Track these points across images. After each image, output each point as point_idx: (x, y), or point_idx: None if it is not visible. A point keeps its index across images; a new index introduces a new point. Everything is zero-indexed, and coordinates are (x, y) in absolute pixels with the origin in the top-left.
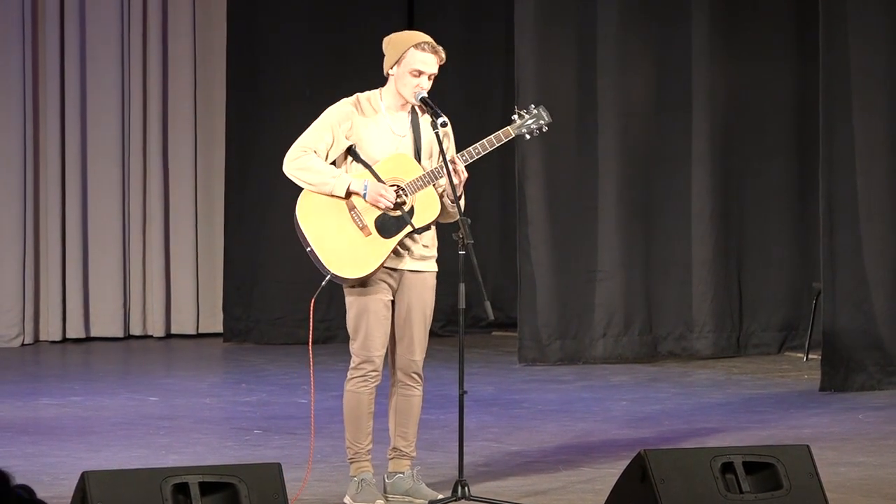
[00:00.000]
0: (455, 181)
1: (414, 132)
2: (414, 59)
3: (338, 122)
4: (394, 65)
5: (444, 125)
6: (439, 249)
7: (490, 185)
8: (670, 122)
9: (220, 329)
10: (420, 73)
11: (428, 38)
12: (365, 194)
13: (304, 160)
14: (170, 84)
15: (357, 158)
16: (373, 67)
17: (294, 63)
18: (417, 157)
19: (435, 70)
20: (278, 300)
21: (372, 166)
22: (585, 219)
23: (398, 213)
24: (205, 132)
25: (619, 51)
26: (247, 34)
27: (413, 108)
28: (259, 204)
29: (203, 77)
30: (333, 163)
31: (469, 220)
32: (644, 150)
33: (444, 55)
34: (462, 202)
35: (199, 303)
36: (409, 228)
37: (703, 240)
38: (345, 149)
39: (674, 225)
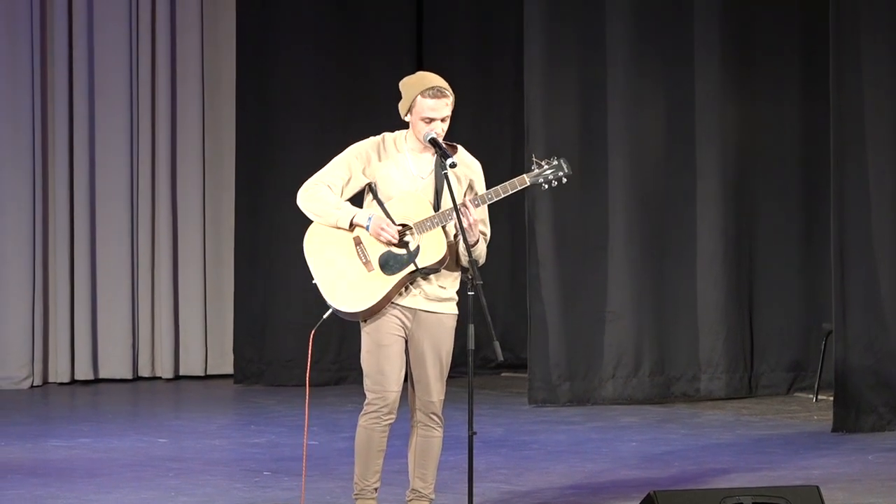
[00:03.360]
0: (465, 223)
1: (436, 174)
2: (422, 107)
3: (356, 159)
4: (407, 112)
5: (452, 166)
6: None
7: (499, 225)
8: (680, 162)
9: (229, 370)
10: (430, 119)
11: (435, 82)
12: (368, 226)
13: (314, 191)
14: (178, 123)
15: (375, 197)
16: (385, 107)
17: (306, 101)
18: (437, 199)
19: (445, 114)
20: (290, 342)
21: (384, 204)
22: (595, 259)
23: (403, 251)
24: (214, 169)
25: (628, 91)
26: (257, 73)
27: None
28: (270, 243)
29: (212, 115)
30: (352, 199)
31: (479, 262)
32: (654, 191)
33: (452, 98)
34: (482, 247)
35: (208, 344)
36: (412, 268)
37: (714, 280)
38: (363, 186)
39: (684, 265)
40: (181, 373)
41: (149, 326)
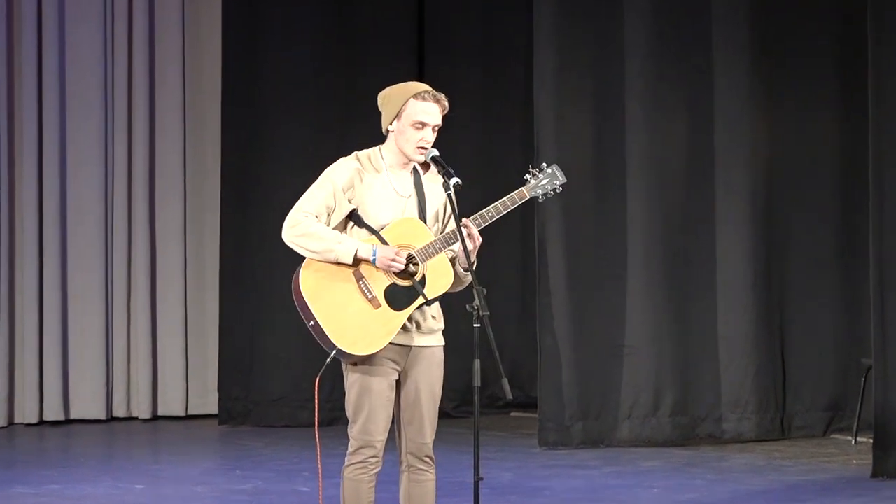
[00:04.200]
0: (469, 247)
1: (418, 192)
2: (415, 110)
3: (339, 184)
4: (393, 119)
5: (456, 186)
6: (452, 322)
7: (508, 251)
8: (705, 180)
9: (212, 410)
10: (423, 124)
11: (427, 87)
12: (374, 260)
13: (304, 226)
14: (157, 132)
15: (360, 223)
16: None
17: (296, 115)
18: (423, 218)
19: (439, 121)
20: (280, 378)
21: (379, 232)
22: (611, 288)
23: (409, 283)
24: (196, 184)
25: (648, 101)
26: (245, 78)
27: (414, 166)
28: (259, 267)
29: (194, 124)
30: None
31: (485, 290)
32: (676, 212)
33: (447, 104)
34: (472, 273)
35: (190, 380)
36: (420, 300)
37: (742, 310)
38: (347, 212)
39: (709, 294)
40: (160, 412)
41: (124, 361)
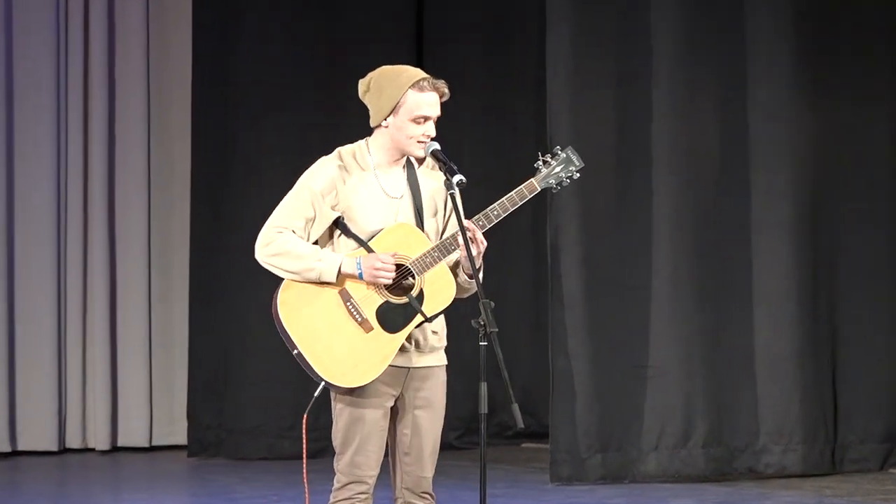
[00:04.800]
0: (473, 252)
1: (412, 191)
2: (416, 103)
3: (320, 190)
4: (389, 114)
5: (460, 184)
6: (454, 340)
7: (518, 258)
8: (742, 179)
9: (181, 440)
10: (426, 118)
11: (423, 73)
12: (360, 273)
13: (279, 244)
14: (118, 132)
15: (347, 232)
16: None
17: (279, 105)
18: (419, 219)
19: (439, 112)
20: (256, 404)
21: (367, 242)
22: (634, 300)
23: (404, 299)
24: (161, 190)
25: (678, 91)
26: (217, 70)
27: (409, 160)
28: (233, 281)
29: (160, 122)
30: (317, 241)
31: (492, 303)
32: (709, 215)
33: (446, 90)
34: (478, 279)
35: (155, 407)
36: (418, 319)
37: (785, 328)
38: (331, 222)
39: (746, 308)
40: (120, 443)
41: (79, 384)
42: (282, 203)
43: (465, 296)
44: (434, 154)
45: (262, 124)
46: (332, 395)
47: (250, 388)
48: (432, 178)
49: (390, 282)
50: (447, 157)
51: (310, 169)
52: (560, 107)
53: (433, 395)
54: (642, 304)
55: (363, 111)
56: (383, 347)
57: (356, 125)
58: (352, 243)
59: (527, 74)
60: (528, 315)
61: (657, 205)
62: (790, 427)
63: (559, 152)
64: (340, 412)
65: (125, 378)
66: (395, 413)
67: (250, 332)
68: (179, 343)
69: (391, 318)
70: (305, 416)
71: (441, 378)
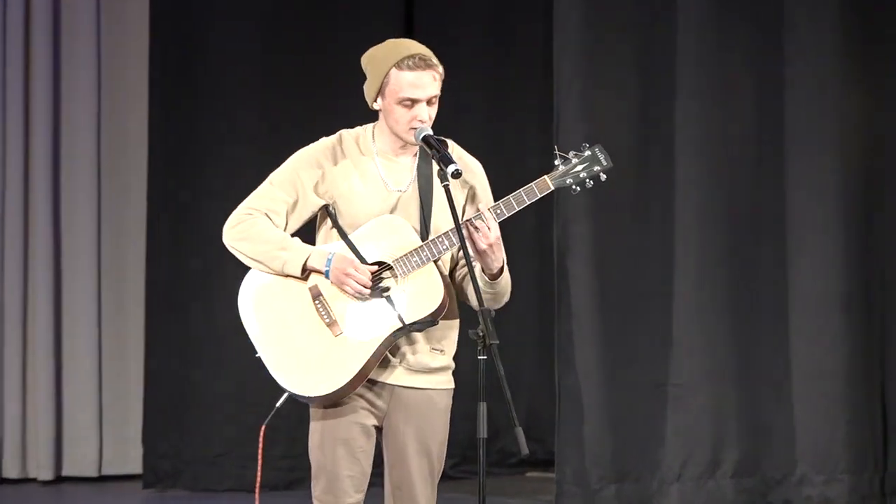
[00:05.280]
0: (482, 245)
1: (421, 183)
2: (399, 83)
3: (305, 172)
4: (377, 95)
5: (455, 175)
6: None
7: (521, 259)
8: (779, 171)
9: (135, 469)
10: (413, 101)
11: (415, 49)
12: (327, 272)
13: (246, 226)
14: (63, 124)
15: (335, 224)
16: (361, 100)
17: (247, 93)
18: (425, 220)
19: (432, 92)
20: (220, 429)
21: (349, 235)
22: (654, 309)
23: (382, 301)
24: (114, 187)
25: (702, 68)
26: (178, 55)
27: (422, 149)
28: (195, 290)
29: (112, 113)
30: (300, 232)
31: (492, 311)
32: (740, 210)
33: (440, 68)
34: (506, 281)
35: (105, 432)
36: (397, 325)
37: (830, 341)
38: (316, 210)
39: (783, 318)
40: (65, 472)
41: (18, 407)
42: (264, 183)
43: (496, 305)
44: (426, 140)
45: (230, 114)
46: (310, 410)
47: (214, 412)
48: (439, 178)
49: (366, 290)
50: (437, 145)
51: (303, 148)
52: (569, 89)
53: (427, 422)
54: (663, 313)
55: (342, 99)
56: (352, 354)
57: (330, 115)
58: (338, 237)
59: (531, 52)
60: (532, 325)
61: (680, 198)
62: (834, 454)
63: (584, 149)
64: (314, 431)
65: (71, 398)
66: (384, 442)
67: (216, 346)
68: (134, 358)
69: (365, 322)
70: (263, 427)
71: (440, 404)
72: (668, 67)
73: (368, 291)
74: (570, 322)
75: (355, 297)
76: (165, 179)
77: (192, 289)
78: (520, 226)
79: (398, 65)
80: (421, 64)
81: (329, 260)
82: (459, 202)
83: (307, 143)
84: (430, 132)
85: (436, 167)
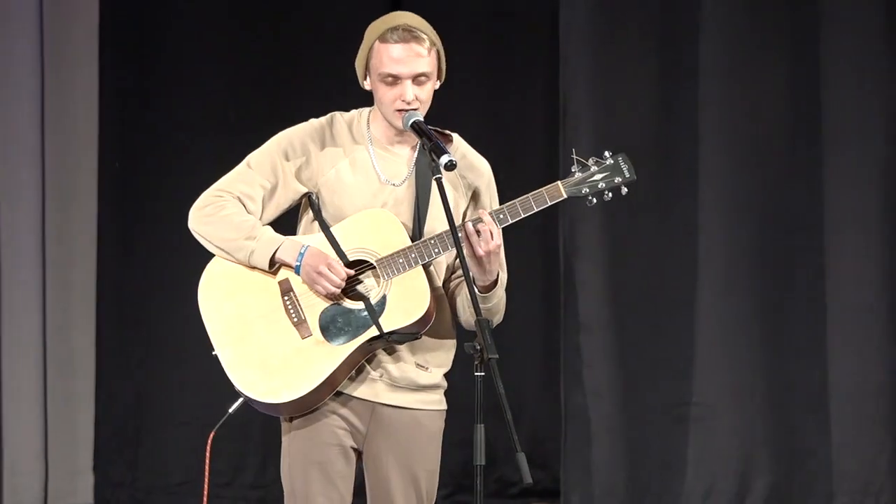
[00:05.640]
0: (480, 251)
1: (418, 181)
2: (380, 58)
3: (286, 155)
4: (365, 72)
5: (449, 168)
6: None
7: (524, 263)
8: (816, 162)
9: (85, 499)
10: (394, 79)
11: (402, 20)
12: (298, 267)
13: (214, 208)
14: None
15: (318, 216)
16: (339, 91)
17: (208, 81)
18: (419, 220)
19: (419, 69)
20: (181, 456)
21: (330, 229)
22: (674, 320)
23: (359, 305)
24: (61, 182)
25: (729, 47)
26: (131, 39)
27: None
28: (154, 295)
29: (57, 96)
30: (276, 223)
31: (491, 322)
32: (771, 208)
33: (431, 39)
34: (501, 295)
35: (51, 459)
36: (372, 332)
37: (872, 353)
38: (298, 199)
39: (821, 329)
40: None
41: None
42: (240, 165)
43: (495, 319)
44: (415, 127)
45: (193, 105)
46: (283, 427)
47: (173, 436)
48: (461, 165)
49: (336, 290)
50: (429, 132)
51: (286, 129)
52: (578, 69)
53: (413, 446)
54: (684, 324)
55: (319, 88)
56: (319, 360)
57: (302, 106)
58: (320, 230)
59: (537, 28)
60: (536, 337)
61: (704, 193)
62: (878, 481)
63: (607, 157)
64: (285, 454)
65: (11, 423)
66: (365, 463)
67: (177, 363)
68: (83, 376)
69: (338, 325)
70: (211, 436)
71: (430, 427)
72: (691, 44)
73: (340, 287)
74: (579, 334)
75: (323, 297)
76: (119, 177)
77: (149, 299)
78: (521, 227)
79: (382, 37)
80: (405, 36)
81: (301, 254)
82: (460, 206)
83: (275, 125)
84: (421, 118)
85: (474, 163)
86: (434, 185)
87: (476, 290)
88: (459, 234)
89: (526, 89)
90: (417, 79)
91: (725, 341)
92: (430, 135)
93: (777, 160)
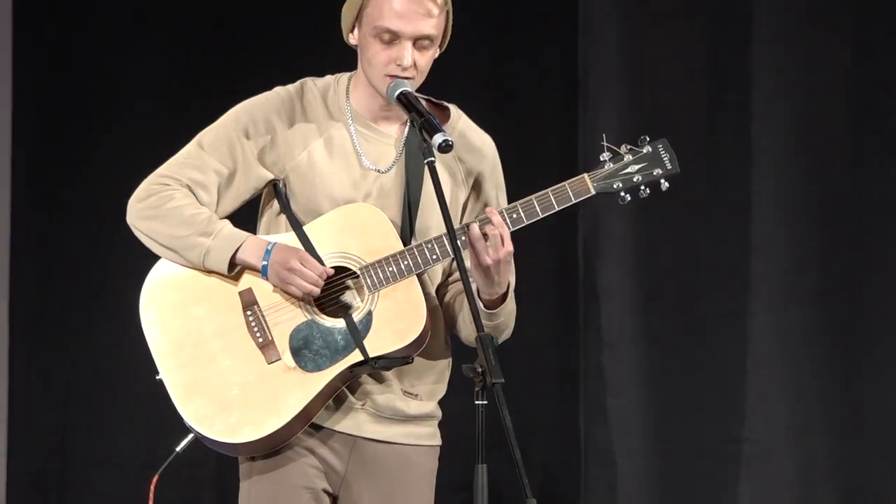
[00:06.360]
0: (487, 260)
1: (409, 166)
2: (381, 8)
3: (248, 131)
4: (354, 22)
5: (444, 148)
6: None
7: (536, 267)
8: (884, 156)
9: None
10: (393, 35)
11: None
12: (265, 265)
13: (157, 199)
14: None
15: (286, 209)
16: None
17: (141, 64)
18: (410, 216)
19: (425, 30)
20: (116, 501)
21: (303, 227)
22: (719, 336)
23: (338, 322)
24: None
25: (789, 4)
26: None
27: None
28: (78, 315)
29: None
30: (234, 217)
31: (496, 338)
32: (838, 202)
33: (440, 6)
34: (510, 310)
35: None
36: (353, 358)
37: None
38: (262, 186)
39: None
40: None
41: None
42: (189, 144)
43: (502, 335)
44: (402, 99)
45: (125, 69)
46: (243, 467)
47: (107, 477)
48: (460, 145)
49: (315, 289)
50: (419, 106)
51: (246, 100)
52: (602, 36)
53: (401, 489)
54: (732, 341)
55: (275, 68)
56: (290, 390)
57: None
58: (287, 228)
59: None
60: (550, 357)
61: (758, 181)
62: None
63: (644, 145)
64: (245, 498)
65: None
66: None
67: (110, 389)
68: None
69: (314, 346)
70: (154, 480)
71: (420, 468)
72: (743, 14)
73: (318, 287)
74: (602, 353)
75: (302, 308)
76: (36, 160)
77: (76, 311)
78: (534, 224)
79: None
80: None
81: (268, 251)
82: (459, 197)
83: (216, 111)
84: (409, 88)
85: (476, 144)
86: (428, 166)
87: (481, 304)
88: (461, 239)
89: (537, 54)
90: (420, 41)
91: (781, 363)
92: (420, 109)
93: (842, 146)
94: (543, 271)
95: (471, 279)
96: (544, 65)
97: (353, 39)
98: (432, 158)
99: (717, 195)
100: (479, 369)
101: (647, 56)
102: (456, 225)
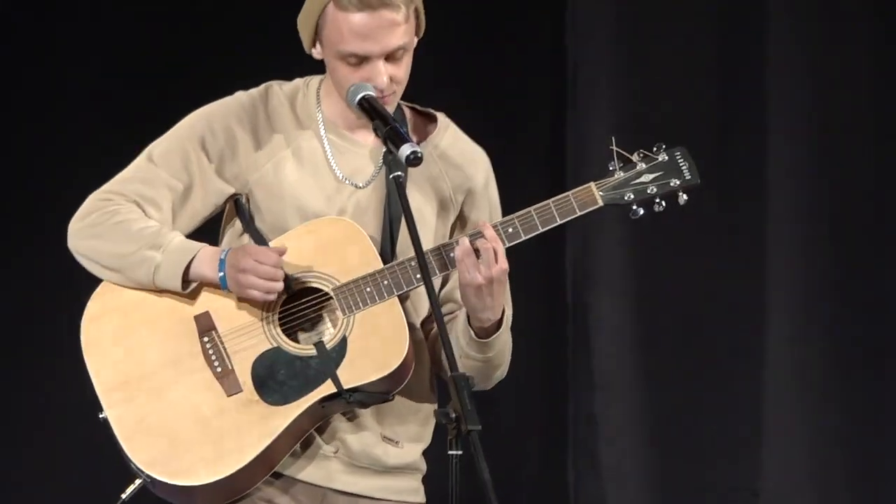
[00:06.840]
0: (479, 278)
1: (388, 181)
2: (339, 29)
3: (206, 142)
4: (313, 40)
5: (413, 161)
6: None
7: (521, 289)
8: None
9: None
10: (359, 59)
11: None
12: (223, 278)
13: (100, 216)
14: None
15: (249, 226)
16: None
17: (90, 45)
18: (391, 233)
19: (395, 42)
20: None
21: (268, 243)
22: (729, 373)
23: (309, 350)
24: None
25: (805, 7)
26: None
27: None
28: (11, 334)
29: None
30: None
31: (472, 378)
32: (865, 215)
33: (408, 12)
34: (503, 340)
35: None
36: (325, 390)
37: None
38: (222, 202)
39: None
40: None
41: None
42: (140, 157)
43: (486, 383)
44: (363, 104)
45: (62, 71)
46: None
47: None
48: (447, 159)
49: (270, 297)
50: (386, 114)
51: (204, 106)
52: (591, 22)
53: None
54: (744, 379)
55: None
56: (252, 428)
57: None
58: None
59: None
60: (534, 398)
61: (775, 196)
62: None
63: (659, 152)
64: None
65: None
66: None
67: (44, 427)
68: None
69: (279, 378)
70: None
71: None
72: (757, 26)
73: (281, 286)
74: (594, 394)
75: (267, 333)
76: None
77: (7, 342)
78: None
79: (337, 2)
80: (373, 1)
81: (222, 260)
82: (449, 217)
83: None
84: (371, 92)
85: (465, 154)
86: (411, 184)
87: (467, 335)
88: (453, 254)
89: (526, 44)
90: (392, 55)
91: (802, 403)
92: (385, 115)
93: (868, 151)
94: (526, 300)
95: (455, 309)
96: (531, 63)
97: (316, 54)
98: (399, 173)
99: (727, 215)
100: (453, 415)
101: (644, 50)
102: (426, 240)
